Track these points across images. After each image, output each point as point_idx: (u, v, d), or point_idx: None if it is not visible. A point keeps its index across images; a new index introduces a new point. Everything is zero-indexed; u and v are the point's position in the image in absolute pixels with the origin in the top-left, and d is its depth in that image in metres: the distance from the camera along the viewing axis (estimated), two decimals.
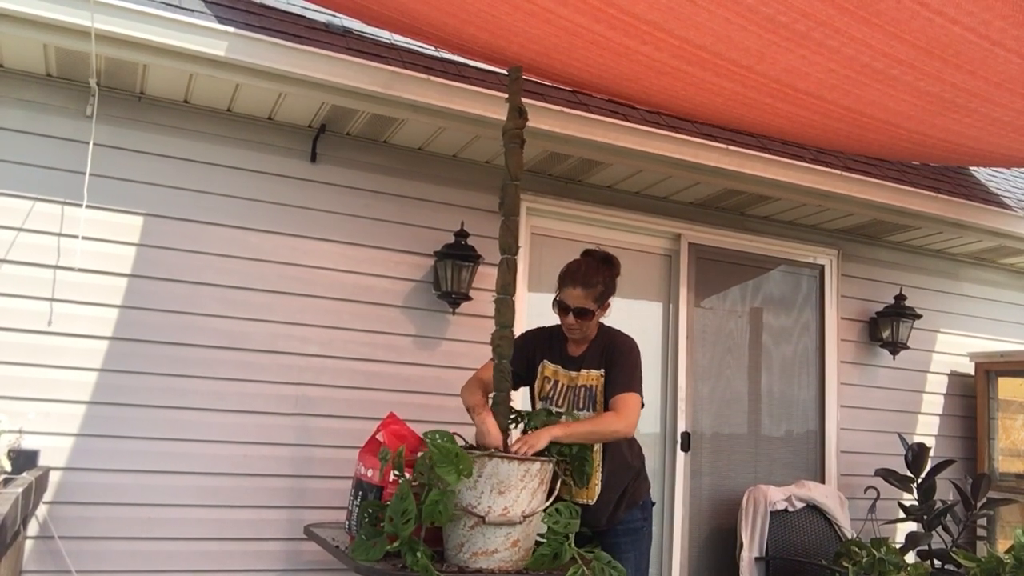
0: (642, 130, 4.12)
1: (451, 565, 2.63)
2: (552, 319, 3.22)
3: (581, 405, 3.10)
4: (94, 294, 3.58)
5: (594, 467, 3.02)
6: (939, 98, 2.89)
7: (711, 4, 2.40)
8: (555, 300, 3.13)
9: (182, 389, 3.68)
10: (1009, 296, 5.98)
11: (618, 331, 3.21)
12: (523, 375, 3.22)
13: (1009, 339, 5.85)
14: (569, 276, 3.09)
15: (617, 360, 3.08)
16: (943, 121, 3.17)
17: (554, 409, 3.12)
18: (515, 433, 3.01)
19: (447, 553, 2.69)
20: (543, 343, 3.23)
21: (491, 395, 3.00)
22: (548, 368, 3.21)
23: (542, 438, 2.79)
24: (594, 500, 3.05)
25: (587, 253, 3.21)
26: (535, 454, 2.72)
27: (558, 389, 3.17)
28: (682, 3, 2.43)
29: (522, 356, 3.17)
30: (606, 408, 3.05)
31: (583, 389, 3.11)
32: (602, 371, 3.09)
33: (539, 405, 3.21)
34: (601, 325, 3.20)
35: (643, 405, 3.07)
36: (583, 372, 3.12)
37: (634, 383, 3.04)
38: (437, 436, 2.60)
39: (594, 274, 3.07)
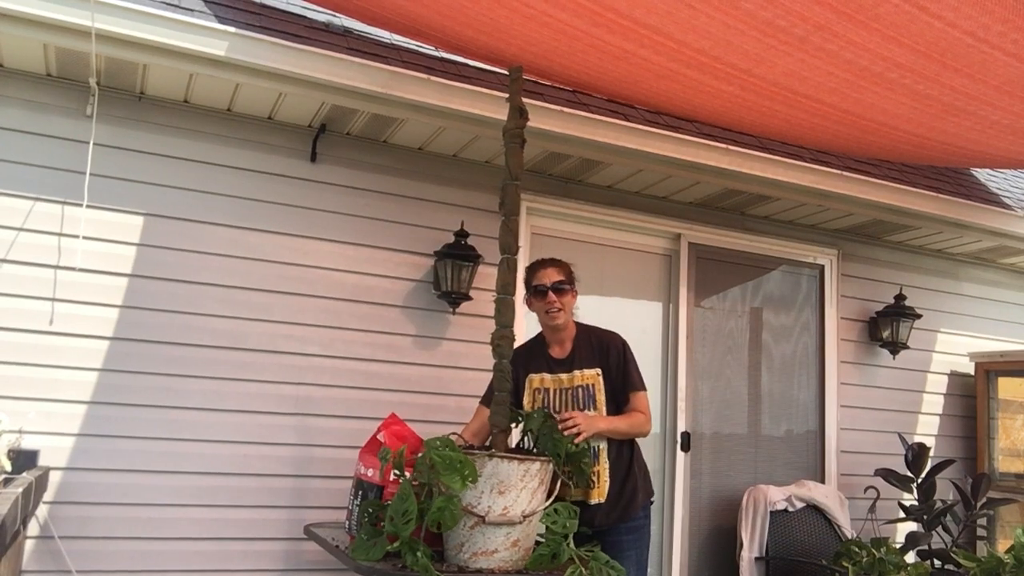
0: (642, 130, 4.12)
1: (451, 565, 2.64)
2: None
3: (582, 405, 3.12)
4: (95, 294, 3.59)
5: (602, 465, 3.06)
6: (938, 101, 2.89)
7: (709, 8, 2.41)
8: (530, 290, 3.24)
9: (182, 389, 3.69)
10: (1009, 296, 5.97)
11: (598, 327, 3.28)
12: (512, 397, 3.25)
13: (1009, 339, 5.85)
14: (538, 262, 3.30)
15: (618, 361, 3.15)
16: (942, 124, 3.17)
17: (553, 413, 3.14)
18: (516, 432, 3.02)
19: (447, 553, 2.69)
20: (524, 359, 3.24)
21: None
22: (535, 380, 3.23)
23: (595, 426, 2.96)
24: (604, 499, 3.08)
25: None
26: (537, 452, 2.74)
27: (551, 396, 3.18)
28: (680, 7, 2.43)
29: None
30: (609, 407, 3.10)
31: (580, 389, 3.12)
32: (598, 369, 3.12)
33: None
34: (579, 323, 3.28)
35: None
36: (576, 372, 3.15)
37: (641, 380, 3.19)
38: (437, 443, 2.60)
39: (558, 259, 3.29)
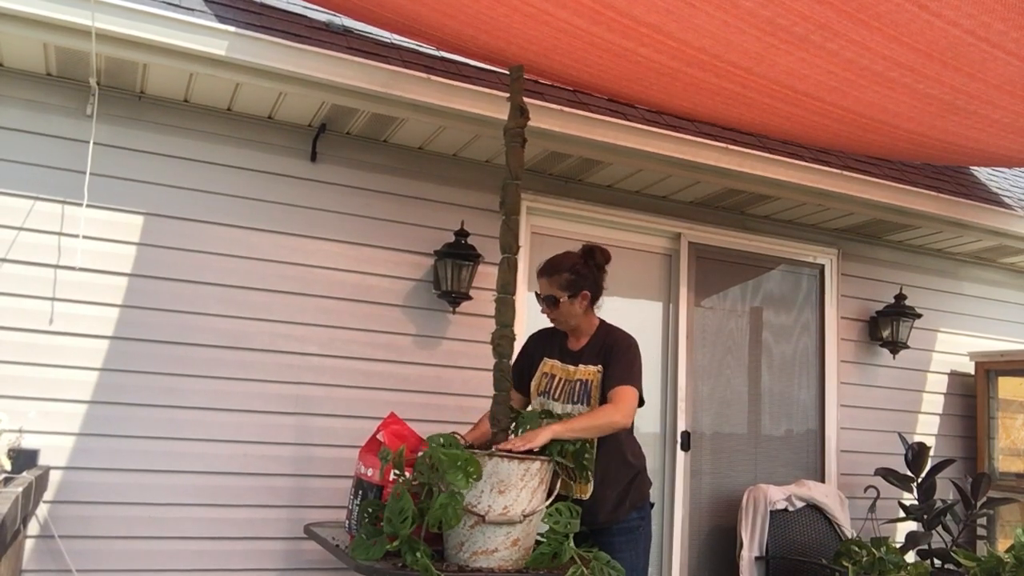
0: (642, 129, 4.12)
1: (451, 564, 2.64)
2: None
3: (576, 399, 3.12)
4: (95, 293, 3.59)
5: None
6: (939, 100, 2.89)
7: (709, 7, 2.41)
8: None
9: (183, 388, 3.69)
10: (1009, 295, 5.98)
11: (618, 328, 3.25)
12: (527, 377, 3.27)
13: (1009, 338, 5.85)
14: (540, 268, 3.23)
15: (615, 355, 3.11)
16: (942, 123, 3.17)
17: (552, 406, 3.14)
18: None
19: (447, 552, 2.69)
20: (544, 342, 3.31)
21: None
22: (547, 364, 3.25)
23: (541, 435, 2.81)
24: (587, 496, 3.06)
25: (582, 248, 3.28)
26: (537, 451, 2.73)
27: (555, 383, 3.19)
28: (680, 6, 2.43)
29: (526, 356, 3.30)
30: (601, 403, 3.07)
31: (579, 383, 3.13)
32: (599, 367, 3.12)
33: (536, 401, 3.24)
34: (602, 321, 3.26)
35: (643, 402, 3.11)
36: (580, 367, 3.15)
37: (631, 376, 3.06)
38: (440, 439, 2.59)
39: (561, 263, 3.18)
